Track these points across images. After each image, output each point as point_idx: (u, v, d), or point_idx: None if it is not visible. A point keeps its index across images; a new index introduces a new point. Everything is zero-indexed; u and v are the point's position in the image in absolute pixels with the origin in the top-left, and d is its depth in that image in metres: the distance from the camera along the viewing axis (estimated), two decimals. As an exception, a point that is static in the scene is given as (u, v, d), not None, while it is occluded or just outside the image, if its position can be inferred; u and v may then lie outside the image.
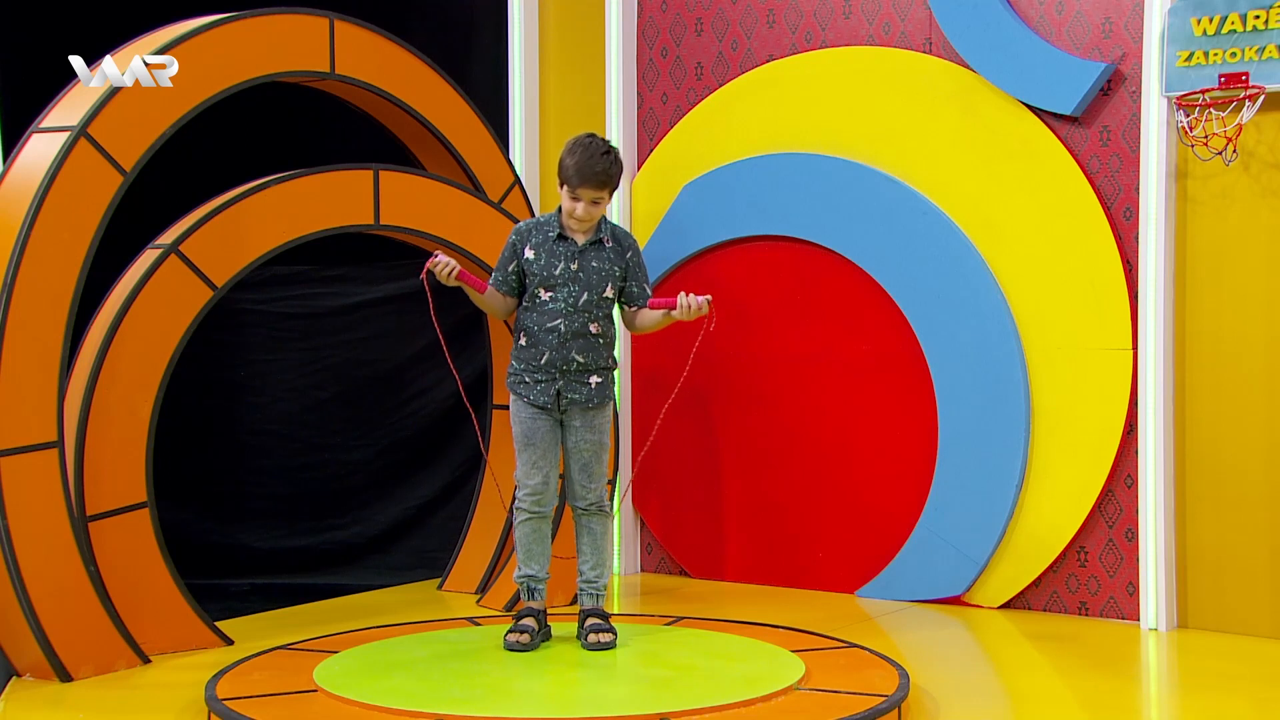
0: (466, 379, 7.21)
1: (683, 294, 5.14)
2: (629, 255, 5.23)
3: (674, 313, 5.15)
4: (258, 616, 6.08)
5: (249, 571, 6.95)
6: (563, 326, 5.13)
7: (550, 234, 5.17)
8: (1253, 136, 5.58)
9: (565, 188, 5.13)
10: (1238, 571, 5.71)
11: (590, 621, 5.20)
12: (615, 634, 5.19)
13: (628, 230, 5.33)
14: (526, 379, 5.19)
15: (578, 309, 5.14)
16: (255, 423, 7.28)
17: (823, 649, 5.18)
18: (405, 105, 6.09)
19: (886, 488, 6.38)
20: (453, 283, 5.11)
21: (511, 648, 5.11)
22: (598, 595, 5.28)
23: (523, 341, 5.19)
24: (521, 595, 5.30)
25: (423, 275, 5.14)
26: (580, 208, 5.11)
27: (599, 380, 5.21)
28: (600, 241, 5.18)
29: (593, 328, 5.17)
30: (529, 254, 5.17)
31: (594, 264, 5.16)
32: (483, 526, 6.53)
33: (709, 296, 5.15)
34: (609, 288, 5.19)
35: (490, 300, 5.25)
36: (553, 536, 5.38)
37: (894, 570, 6.33)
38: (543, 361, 5.15)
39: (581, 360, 5.16)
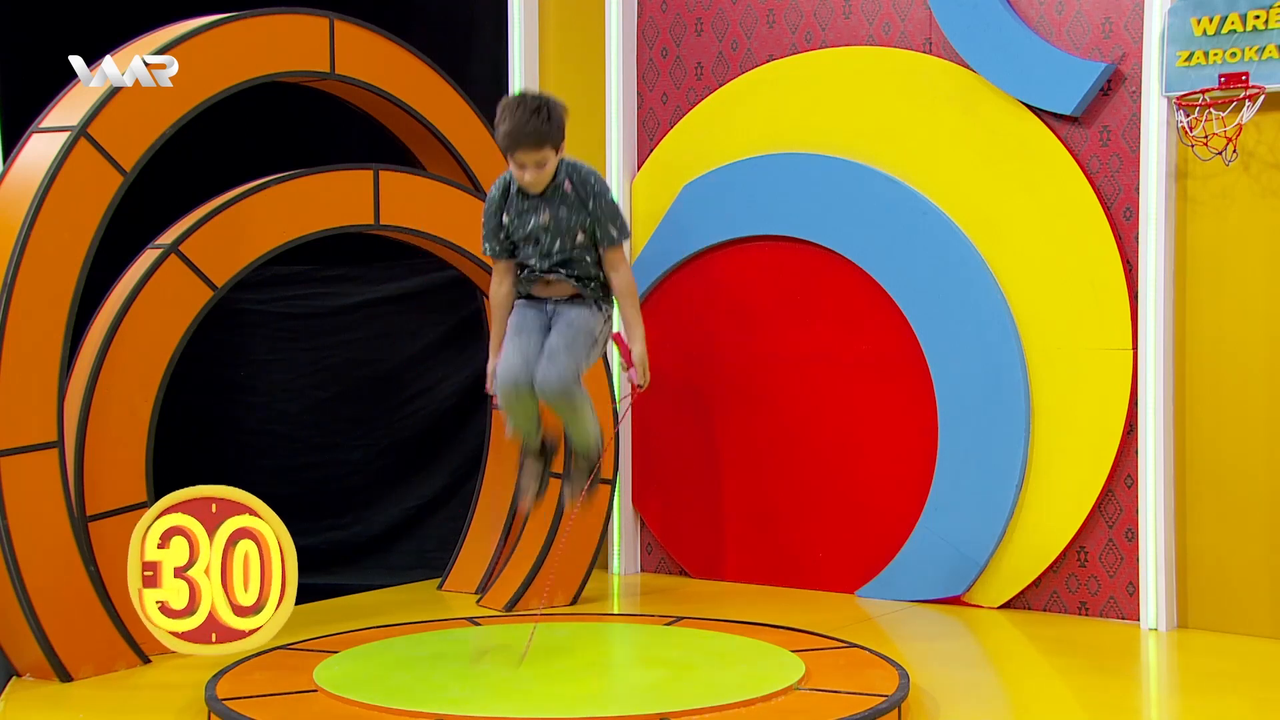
0: (465, 379, 7.25)
1: (639, 363, 5.06)
2: (590, 203, 4.98)
3: (626, 368, 5.09)
4: (258, 616, 6.08)
5: (249, 571, 6.95)
6: (546, 254, 5.04)
7: (512, 191, 5.02)
8: (1253, 136, 5.58)
9: (507, 155, 4.94)
10: (1238, 571, 5.71)
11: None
12: (571, 488, 5.15)
13: (593, 168, 5.03)
14: (519, 288, 5.12)
15: (556, 251, 5.03)
16: (255, 423, 7.28)
17: (823, 649, 5.18)
18: (405, 105, 6.09)
19: (886, 488, 6.37)
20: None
21: (521, 508, 5.22)
22: (585, 453, 5.14)
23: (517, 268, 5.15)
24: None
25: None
26: (528, 173, 4.92)
27: (582, 282, 5.04)
28: (559, 187, 4.97)
29: (575, 253, 5.03)
30: (505, 220, 5.06)
31: (561, 213, 4.99)
32: (483, 526, 6.53)
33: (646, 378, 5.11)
34: (580, 235, 5.01)
35: (501, 299, 5.16)
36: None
37: (894, 570, 6.33)
38: (527, 271, 5.06)
39: (565, 271, 5.03)
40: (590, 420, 5.10)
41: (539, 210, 5.00)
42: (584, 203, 4.99)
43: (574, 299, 5.07)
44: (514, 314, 5.12)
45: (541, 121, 4.84)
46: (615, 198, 5.15)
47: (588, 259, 5.06)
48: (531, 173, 4.91)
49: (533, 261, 5.06)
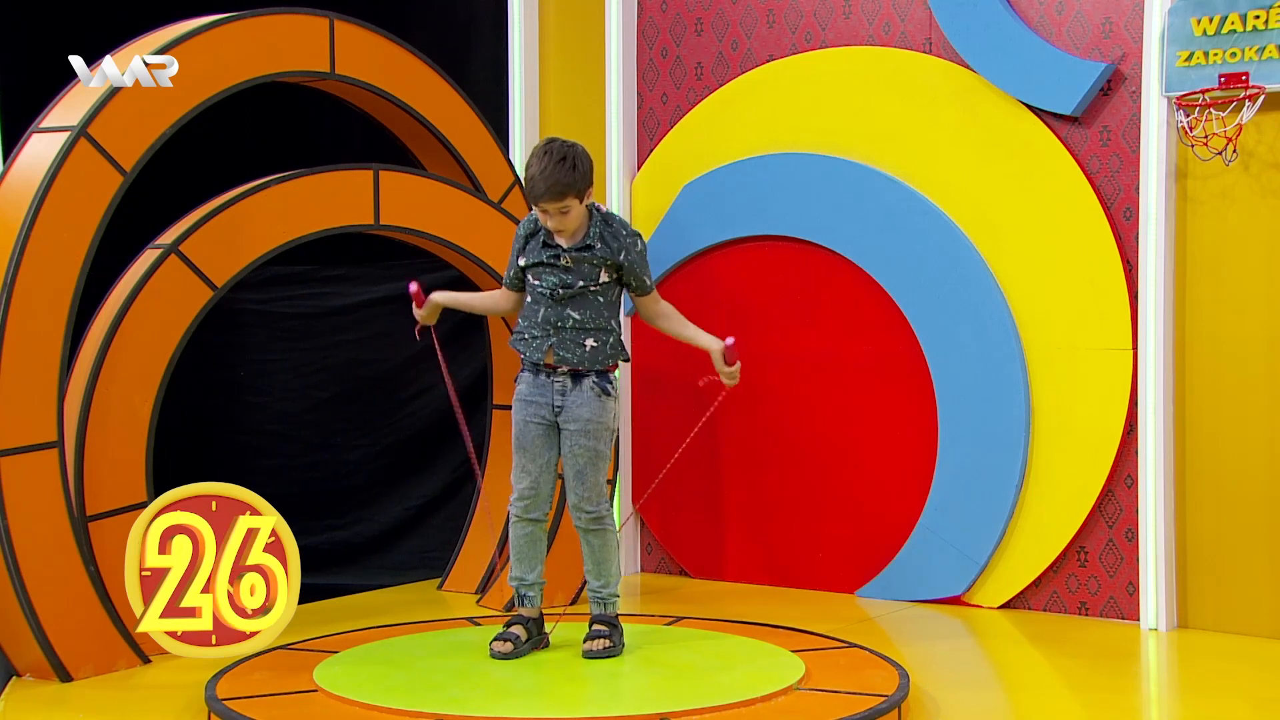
0: (465, 379, 7.24)
1: (737, 363, 5.08)
2: (622, 255, 5.02)
3: (721, 364, 5.08)
4: (258, 616, 6.08)
5: (249, 571, 6.95)
6: (560, 292, 5.03)
7: (539, 239, 5.05)
8: (1253, 136, 5.58)
9: (531, 203, 4.99)
10: (1238, 571, 5.71)
11: (593, 629, 5.13)
12: (615, 643, 5.08)
13: (626, 221, 5.01)
14: (525, 335, 5.08)
15: (572, 285, 5.04)
16: (255, 423, 7.28)
17: (823, 649, 5.18)
18: (405, 105, 6.09)
19: (886, 488, 6.37)
20: (435, 308, 5.25)
21: (495, 655, 5.02)
22: (604, 602, 5.16)
23: (528, 299, 5.12)
24: (514, 600, 5.21)
25: (418, 333, 5.35)
26: (551, 220, 4.95)
27: (594, 344, 5.02)
28: (589, 247, 5.00)
29: (592, 288, 5.03)
30: (522, 262, 5.10)
31: (585, 267, 5.01)
32: (482, 526, 6.52)
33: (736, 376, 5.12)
34: (601, 273, 5.02)
35: (492, 301, 5.29)
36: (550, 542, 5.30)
37: (894, 570, 6.33)
38: (539, 318, 5.05)
39: (577, 317, 5.02)
40: (615, 557, 5.18)
41: (562, 269, 5.01)
42: (614, 254, 5.01)
43: (579, 377, 5.05)
44: (516, 415, 5.12)
45: (566, 171, 4.87)
46: (644, 246, 5.15)
47: (600, 300, 5.05)
48: (555, 220, 4.95)
49: (544, 291, 5.03)
